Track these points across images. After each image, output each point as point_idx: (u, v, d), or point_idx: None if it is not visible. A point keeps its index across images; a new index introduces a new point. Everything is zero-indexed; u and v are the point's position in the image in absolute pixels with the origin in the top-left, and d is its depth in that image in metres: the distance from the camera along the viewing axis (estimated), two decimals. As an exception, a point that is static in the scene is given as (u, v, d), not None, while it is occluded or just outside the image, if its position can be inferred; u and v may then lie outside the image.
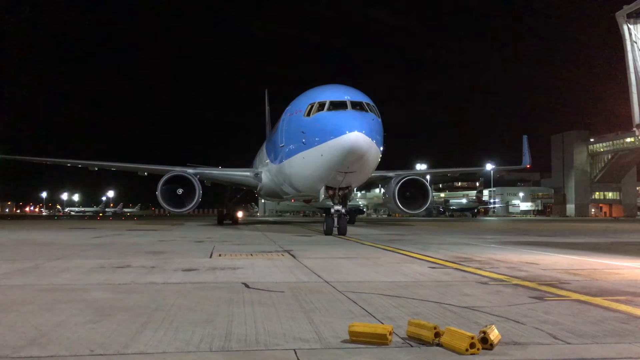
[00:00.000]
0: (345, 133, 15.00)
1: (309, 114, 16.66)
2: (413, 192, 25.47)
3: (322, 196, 17.77)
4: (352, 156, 15.25)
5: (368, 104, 16.30)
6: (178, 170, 25.99)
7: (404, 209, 25.33)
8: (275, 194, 27.94)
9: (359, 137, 14.97)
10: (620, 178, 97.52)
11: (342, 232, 17.03)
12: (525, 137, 36.04)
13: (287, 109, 19.56)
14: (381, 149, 16.30)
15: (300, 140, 17.10)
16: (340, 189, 17.28)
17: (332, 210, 17.32)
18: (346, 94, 16.47)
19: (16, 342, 3.60)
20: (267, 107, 44.01)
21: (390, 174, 27.50)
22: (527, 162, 36.32)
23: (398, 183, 25.07)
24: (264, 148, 27.79)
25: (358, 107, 15.93)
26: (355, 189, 18.08)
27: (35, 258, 9.36)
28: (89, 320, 4.27)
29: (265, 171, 26.24)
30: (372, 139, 15.36)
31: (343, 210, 17.44)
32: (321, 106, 16.30)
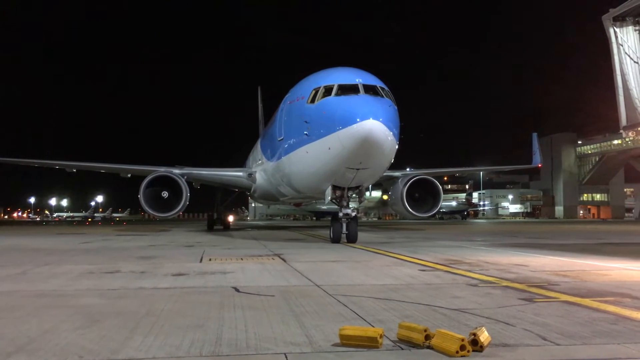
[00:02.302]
0: (358, 121, 12.72)
1: (313, 101, 14.26)
2: (422, 193, 22.77)
3: (328, 197, 15.40)
4: (366, 149, 13.01)
5: (383, 89, 13.97)
6: (163, 170, 23.56)
7: (414, 212, 22.48)
8: (271, 196, 25.69)
9: (375, 126, 12.70)
10: (608, 180, 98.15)
11: (352, 239, 14.87)
12: (534, 135, 34.49)
13: (286, 96, 17.09)
14: (397, 142, 14.01)
15: (303, 131, 14.68)
16: (349, 188, 15.04)
17: (341, 214, 14.98)
18: (357, 76, 14.08)
19: (5, 349, 3.57)
20: (260, 105, 42.10)
21: (397, 173, 24.35)
22: (537, 161, 34.74)
23: (406, 184, 22.18)
24: (258, 145, 25.52)
25: (371, 92, 13.58)
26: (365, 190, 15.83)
27: (23, 264, 9.28)
28: (78, 326, 4.24)
29: (260, 170, 23.88)
30: (389, 130, 13.09)
31: (353, 214, 15.29)
32: (328, 91, 13.89)
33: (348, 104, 13.28)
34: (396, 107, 14.06)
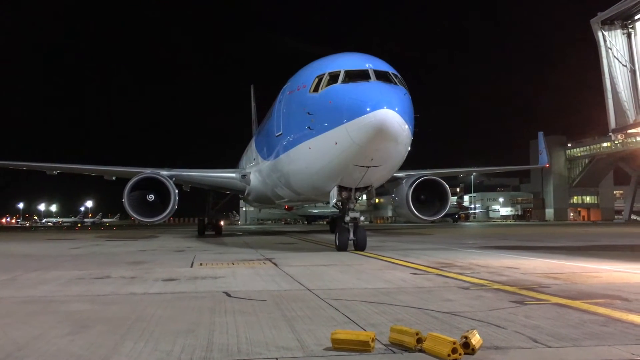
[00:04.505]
0: (369, 111, 11.09)
1: (316, 89, 12.58)
2: (428, 195, 21.08)
3: (333, 200, 13.64)
4: (379, 143, 11.44)
5: (396, 75, 12.39)
6: (149, 172, 21.77)
7: (420, 216, 20.80)
8: (266, 199, 23.92)
9: (389, 116, 11.05)
10: (597, 182, 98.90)
11: (360, 246, 13.34)
12: (540, 134, 33.84)
13: (285, 86, 15.34)
14: (412, 137, 12.30)
15: (305, 125, 12.90)
16: (357, 189, 13.36)
17: (347, 219, 13.36)
18: (367, 61, 12.49)
19: (-8, 356, 3.54)
20: (253, 104, 41.19)
21: (400, 174, 21.88)
22: (545, 161, 34.22)
23: (412, 185, 20.51)
24: (252, 143, 23.83)
25: (383, 79, 11.99)
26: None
27: (13, 270, 9.20)
28: (67, 332, 4.21)
29: (254, 171, 22.20)
30: (405, 122, 11.41)
31: (362, 218, 13.74)
32: (333, 78, 12.26)
33: (357, 92, 11.67)
34: (410, 97, 12.33)
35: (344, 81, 12.07)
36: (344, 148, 11.82)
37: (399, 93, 11.77)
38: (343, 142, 11.71)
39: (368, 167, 12.14)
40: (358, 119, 11.23)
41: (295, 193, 17.95)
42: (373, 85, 11.71)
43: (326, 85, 12.34)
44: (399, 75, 12.55)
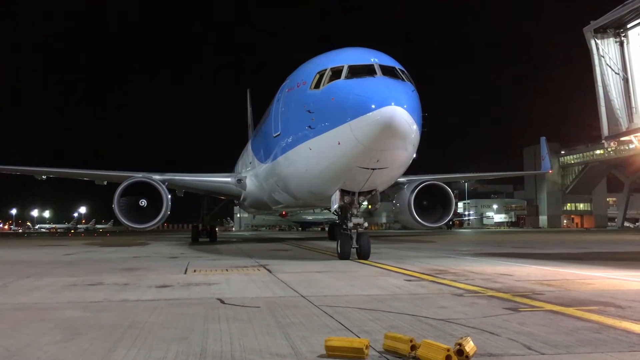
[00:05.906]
0: (374, 108, 10.26)
1: (318, 86, 11.72)
2: (431, 201, 19.95)
3: (334, 205, 12.68)
4: (386, 142, 10.62)
5: (402, 71, 11.57)
6: (140, 176, 20.78)
7: (423, 222, 19.54)
8: (263, 205, 23.01)
9: (397, 113, 10.19)
10: (591, 189, 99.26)
11: (364, 254, 12.44)
12: (543, 139, 33.74)
13: (283, 84, 14.42)
14: (420, 137, 11.45)
15: (305, 124, 12.00)
16: (360, 194, 12.54)
17: (350, 224, 12.46)
18: (372, 55, 11.63)
19: (-17, 364, 3.51)
20: (249, 108, 40.36)
21: (402, 179, 20.40)
22: (547, 167, 34.13)
23: (414, 190, 19.36)
24: (249, 146, 23.13)
25: (390, 74, 11.15)
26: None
27: (4, 276, 9.14)
28: (60, 339, 4.18)
29: (250, 175, 21.41)
30: (414, 120, 10.61)
31: (365, 224, 12.84)
32: (336, 74, 11.39)
33: (362, 88, 10.79)
34: (418, 95, 11.52)
35: (347, 77, 11.24)
36: (347, 148, 11.03)
37: (407, 89, 11.04)
38: (347, 141, 10.88)
39: (373, 169, 11.38)
40: (363, 117, 10.40)
41: (293, 198, 17.08)
42: (379, 81, 10.89)
43: (328, 82, 11.52)
44: (405, 71, 11.77)
